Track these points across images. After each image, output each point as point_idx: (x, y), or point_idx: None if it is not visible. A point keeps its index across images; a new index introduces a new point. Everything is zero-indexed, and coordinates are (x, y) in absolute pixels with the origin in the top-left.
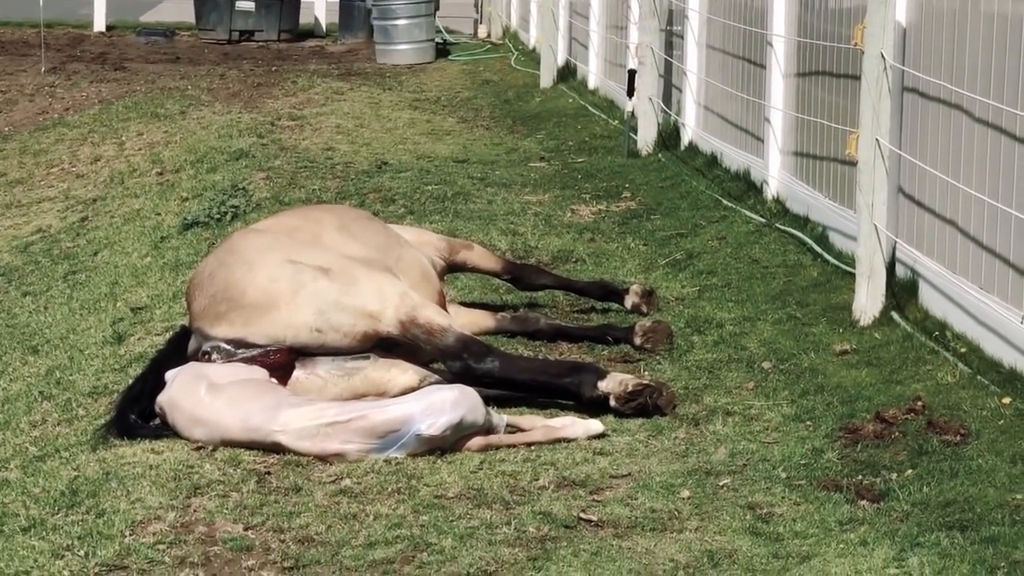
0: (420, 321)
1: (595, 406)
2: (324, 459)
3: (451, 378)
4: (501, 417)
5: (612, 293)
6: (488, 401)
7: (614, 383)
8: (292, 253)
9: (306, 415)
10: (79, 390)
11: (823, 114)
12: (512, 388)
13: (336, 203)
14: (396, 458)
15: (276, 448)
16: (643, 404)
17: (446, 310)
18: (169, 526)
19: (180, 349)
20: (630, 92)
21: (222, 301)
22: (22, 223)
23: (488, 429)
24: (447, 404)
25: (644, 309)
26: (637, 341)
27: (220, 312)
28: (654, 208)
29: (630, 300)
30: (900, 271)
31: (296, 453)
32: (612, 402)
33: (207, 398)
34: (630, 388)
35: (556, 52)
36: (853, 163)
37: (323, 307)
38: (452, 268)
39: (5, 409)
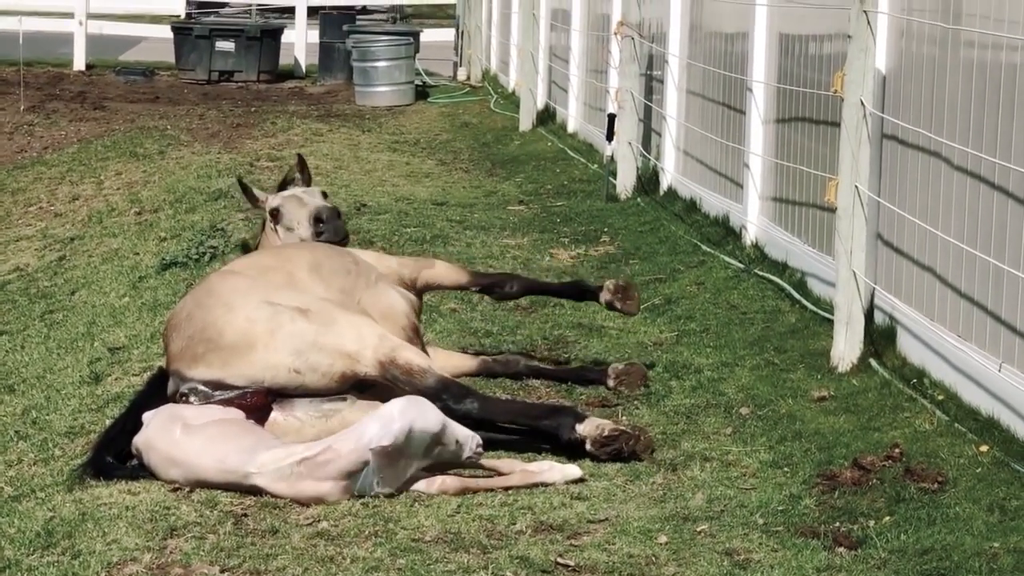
0: (399, 362)
1: (572, 449)
2: (302, 503)
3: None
4: (473, 435)
5: (587, 292)
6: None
7: (591, 427)
8: (270, 295)
9: (280, 455)
10: (55, 430)
11: (802, 160)
12: (492, 429)
13: None
14: (375, 495)
15: (253, 490)
16: (618, 450)
17: (424, 348)
18: (145, 568)
19: (158, 391)
20: (609, 136)
21: (200, 342)
22: None
23: (454, 441)
24: (395, 412)
25: (618, 305)
26: (610, 383)
27: (198, 354)
28: (633, 252)
29: (604, 296)
30: (878, 318)
31: (274, 496)
32: (588, 446)
33: (183, 439)
34: (606, 432)
35: (536, 95)
36: (832, 209)
37: (301, 347)
38: (420, 291)
39: None
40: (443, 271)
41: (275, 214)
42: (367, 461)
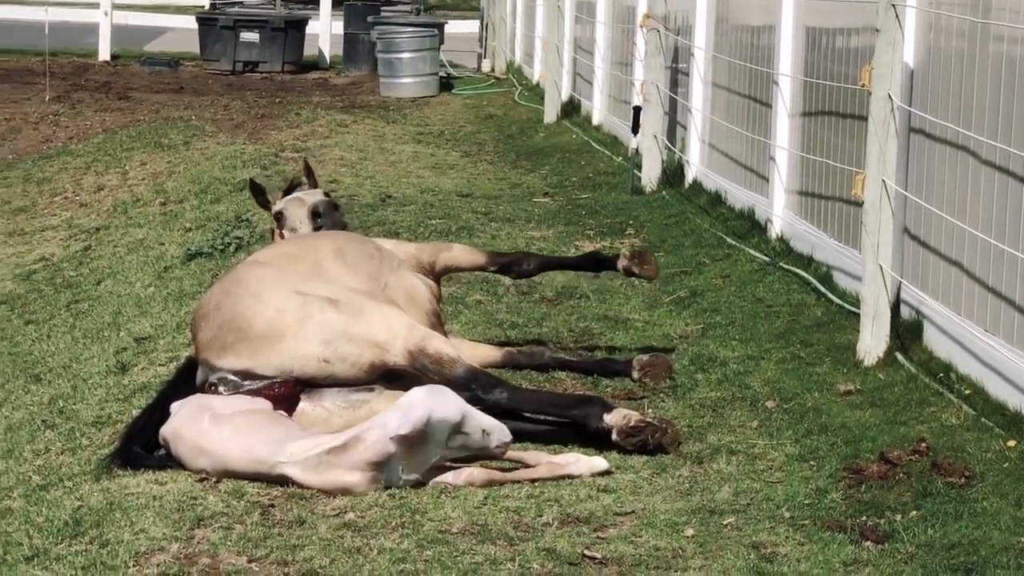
0: (429, 351)
1: (599, 439)
2: (330, 493)
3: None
4: (501, 426)
5: (604, 261)
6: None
7: (618, 417)
8: (298, 284)
9: (308, 445)
10: (82, 419)
11: (829, 154)
12: (519, 419)
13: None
14: (402, 485)
15: (282, 480)
16: (644, 441)
17: (442, 327)
18: (173, 557)
19: (187, 380)
20: (635, 129)
21: (229, 332)
22: (25, 251)
23: (480, 431)
24: (415, 402)
25: (636, 270)
26: (635, 375)
27: (227, 343)
28: (658, 245)
29: (621, 263)
30: (905, 312)
31: (302, 486)
32: (614, 435)
33: (211, 429)
34: (633, 423)
35: (560, 87)
36: (859, 203)
37: (331, 337)
38: (438, 275)
39: (8, 437)
40: (460, 253)
41: (279, 218)
42: (392, 452)
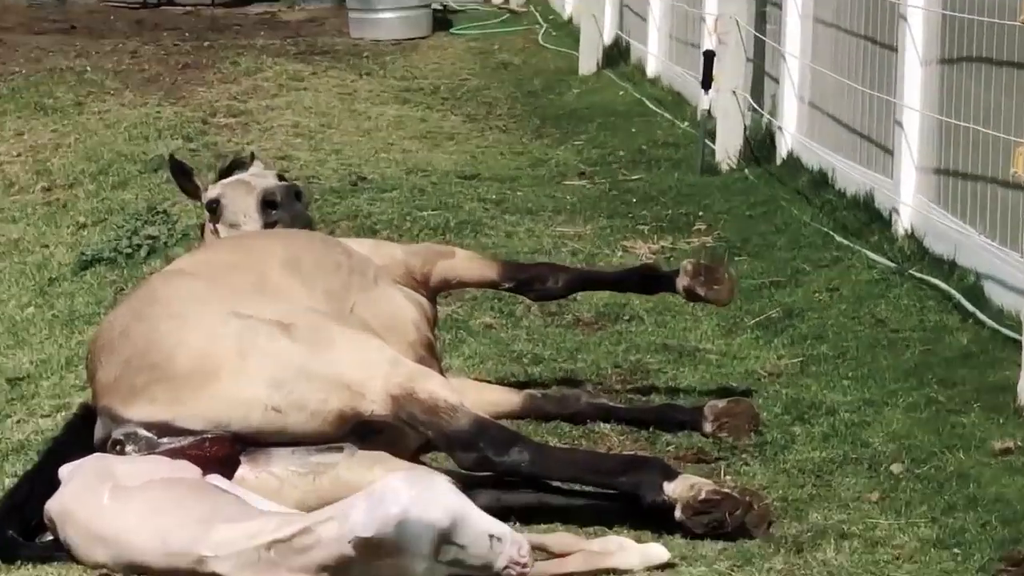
0: (420, 395)
1: (657, 516)
2: None
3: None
4: (514, 537)
5: (659, 280)
6: (508, 516)
7: (684, 487)
8: (237, 303)
9: (243, 534)
10: None
11: (977, 117)
12: (544, 488)
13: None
14: None
15: None
16: (721, 520)
17: (438, 363)
18: None
19: (80, 437)
20: (706, 83)
21: (140, 370)
22: None
23: (481, 539)
24: (388, 494)
25: (701, 292)
26: (708, 428)
27: (138, 385)
28: (739, 246)
29: (681, 282)
30: None
31: None
32: (678, 513)
33: (112, 507)
34: (703, 495)
35: (602, 25)
36: (1020, 187)
37: (283, 376)
38: (433, 290)
39: None
40: (465, 262)
41: (214, 208)
42: (349, 556)
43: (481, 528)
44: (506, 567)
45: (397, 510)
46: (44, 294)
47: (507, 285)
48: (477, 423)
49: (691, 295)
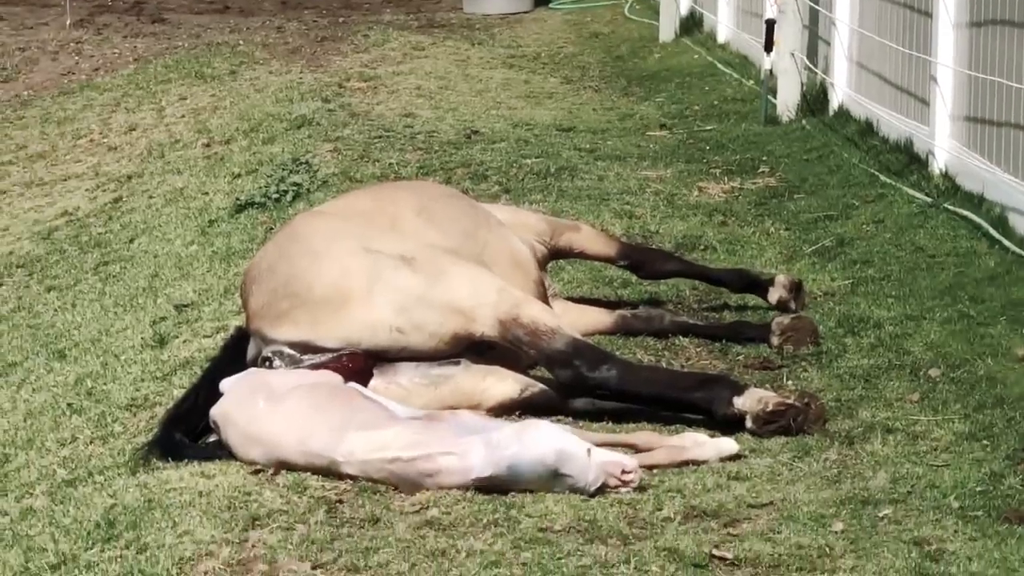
0: (523, 320)
1: (728, 425)
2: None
3: (557, 388)
4: (619, 460)
5: (753, 284)
6: (602, 417)
7: (752, 400)
8: (367, 240)
9: (372, 445)
10: (115, 402)
11: (1004, 71)
12: (632, 401)
13: (416, 179)
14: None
15: (344, 476)
16: (785, 427)
17: (549, 304)
18: (223, 564)
19: (237, 355)
20: (768, 46)
21: (284, 297)
22: (45, 205)
23: (591, 470)
24: (503, 439)
25: (792, 305)
26: (775, 341)
27: (282, 310)
28: (797, 185)
29: (775, 294)
30: None
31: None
32: (749, 423)
33: (265, 412)
34: (770, 408)
35: None
36: None
37: (405, 303)
38: (556, 254)
39: (28, 425)
40: (590, 237)
41: None
42: (468, 486)
43: (585, 462)
44: (607, 484)
45: (509, 454)
46: (205, 234)
47: (622, 263)
48: (573, 344)
49: (782, 307)
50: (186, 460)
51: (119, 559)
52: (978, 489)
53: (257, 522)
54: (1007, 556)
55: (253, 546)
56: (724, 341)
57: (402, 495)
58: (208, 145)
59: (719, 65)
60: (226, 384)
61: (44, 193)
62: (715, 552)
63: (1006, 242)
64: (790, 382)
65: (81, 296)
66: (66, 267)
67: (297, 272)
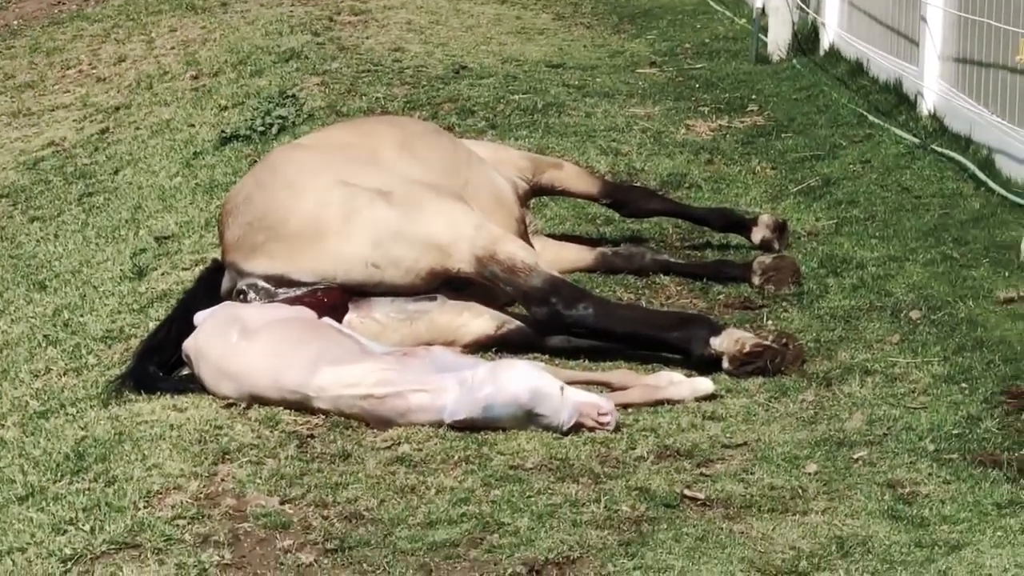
0: (500, 257)
1: (705, 365)
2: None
3: (533, 325)
4: (596, 402)
5: (736, 224)
6: (578, 355)
7: (729, 341)
8: (344, 173)
9: (345, 380)
10: (90, 334)
11: (991, 12)
12: (608, 340)
13: (401, 114)
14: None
15: (316, 411)
16: (762, 368)
17: (529, 242)
18: (191, 497)
19: (212, 287)
20: None
21: (260, 230)
22: (31, 135)
23: (564, 410)
24: (477, 380)
25: (775, 246)
26: (756, 281)
27: (258, 243)
28: (785, 124)
29: (758, 234)
30: None
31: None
32: (726, 363)
33: (239, 346)
34: (747, 349)
35: None
36: None
37: (381, 237)
38: (538, 191)
39: (4, 356)
40: (572, 176)
41: None
42: (441, 424)
43: (559, 401)
44: (583, 425)
45: (483, 395)
46: (189, 166)
47: (605, 201)
48: (549, 281)
49: (765, 247)
50: (159, 393)
51: (87, 491)
52: (954, 432)
53: (227, 456)
54: (980, 499)
55: (222, 480)
56: (705, 280)
57: (374, 431)
58: (196, 77)
59: (711, 3)
60: (200, 317)
61: (31, 123)
62: (687, 492)
63: (992, 184)
64: (770, 322)
65: (64, 227)
66: (50, 198)
67: (273, 205)
